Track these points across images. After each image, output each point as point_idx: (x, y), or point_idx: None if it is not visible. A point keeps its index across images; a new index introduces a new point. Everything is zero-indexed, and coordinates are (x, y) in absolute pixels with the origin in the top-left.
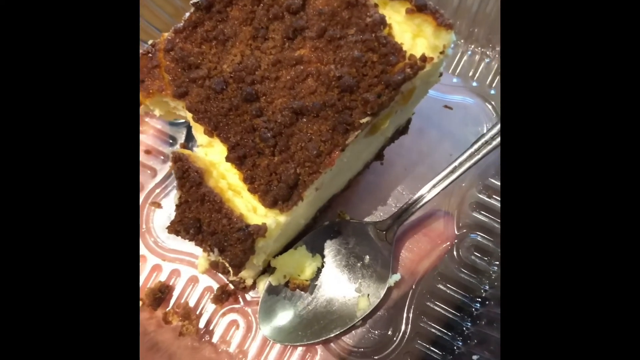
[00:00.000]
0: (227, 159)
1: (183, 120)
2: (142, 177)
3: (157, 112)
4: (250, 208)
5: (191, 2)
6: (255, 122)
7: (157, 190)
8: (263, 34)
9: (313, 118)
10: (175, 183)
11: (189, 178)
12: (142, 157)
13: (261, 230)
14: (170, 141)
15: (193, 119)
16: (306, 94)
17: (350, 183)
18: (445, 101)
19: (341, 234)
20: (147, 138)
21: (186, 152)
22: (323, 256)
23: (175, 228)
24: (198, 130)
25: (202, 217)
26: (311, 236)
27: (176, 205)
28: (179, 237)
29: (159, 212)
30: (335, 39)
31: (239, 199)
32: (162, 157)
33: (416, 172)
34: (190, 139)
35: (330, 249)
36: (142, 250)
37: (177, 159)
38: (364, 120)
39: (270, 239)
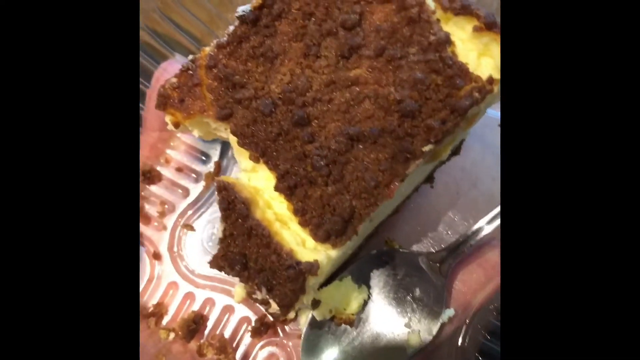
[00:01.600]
0: (276, 188)
1: None
2: (173, 197)
3: (195, 133)
4: (299, 241)
5: (236, 14)
6: (307, 148)
7: (190, 212)
8: (315, 52)
9: (370, 145)
10: (209, 202)
11: (235, 210)
12: (173, 176)
13: (313, 268)
14: (204, 158)
15: (238, 143)
16: (362, 118)
17: (399, 208)
18: (499, 120)
19: (389, 264)
20: (177, 155)
21: (231, 180)
22: (369, 287)
23: (219, 263)
24: (242, 155)
25: (248, 252)
26: (357, 265)
27: (220, 239)
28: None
29: (191, 235)
30: (395, 58)
31: (286, 231)
32: (194, 176)
33: (467, 195)
34: (225, 155)
35: (377, 279)
36: (174, 276)
37: (222, 188)
38: (426, 149)
39: (322, 276)
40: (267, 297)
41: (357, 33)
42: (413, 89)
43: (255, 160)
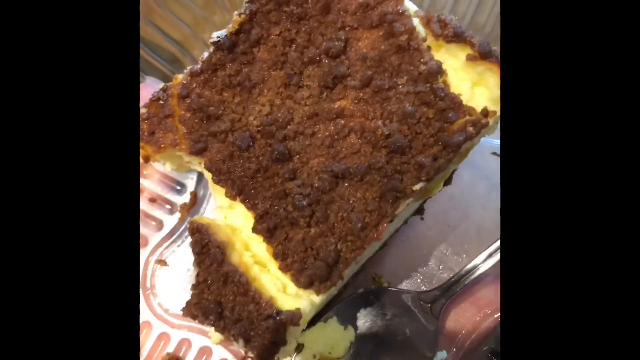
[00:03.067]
0: (255, 230)
1: None
2: (146, 230)
3: (168, 166)
4: (279, 287)
5: (211, 40)
6: (288, 186)
7: (164, 245)
8: (296, 81)
9: (356, 183)
10: (184, 235)
11: (209, 254)
12: (146, 207)
13: (295, 317)
14: (178, 188)
15: (213, 180)
16: (348, 154)
17: (386, 241)
18: (491, 147)
19: (377, 303)
20: (150, 184)
21: (205, 220)
22: (356, 328)
23: (192, 311)
24: (218, 191)
25: (224, 300)
26: (343, 305)
27: (193, 285)
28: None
29: (165, 270)
30: (383, 89)
31: (266, 275)
32: (168, 207)
33: (459, 226)
34: (201, 185)
35: (364, 320)
36: (147, 315)
37: (196, 230)
38: (417, 187)
39: (304, 325)
40: (245, 349)
41: (342, 61)
42: (402, 122)
43: (232, 198)
